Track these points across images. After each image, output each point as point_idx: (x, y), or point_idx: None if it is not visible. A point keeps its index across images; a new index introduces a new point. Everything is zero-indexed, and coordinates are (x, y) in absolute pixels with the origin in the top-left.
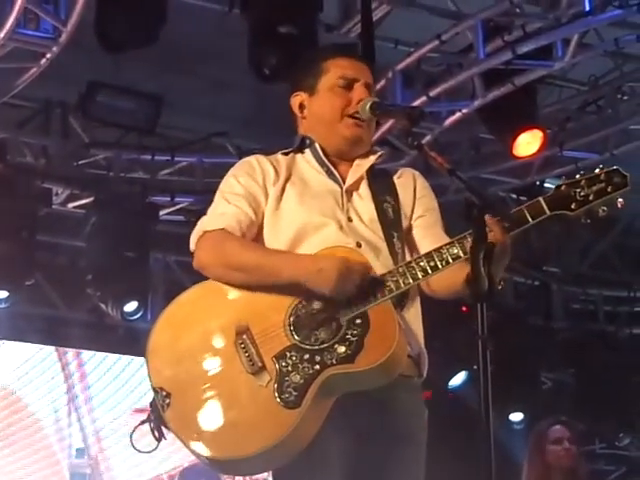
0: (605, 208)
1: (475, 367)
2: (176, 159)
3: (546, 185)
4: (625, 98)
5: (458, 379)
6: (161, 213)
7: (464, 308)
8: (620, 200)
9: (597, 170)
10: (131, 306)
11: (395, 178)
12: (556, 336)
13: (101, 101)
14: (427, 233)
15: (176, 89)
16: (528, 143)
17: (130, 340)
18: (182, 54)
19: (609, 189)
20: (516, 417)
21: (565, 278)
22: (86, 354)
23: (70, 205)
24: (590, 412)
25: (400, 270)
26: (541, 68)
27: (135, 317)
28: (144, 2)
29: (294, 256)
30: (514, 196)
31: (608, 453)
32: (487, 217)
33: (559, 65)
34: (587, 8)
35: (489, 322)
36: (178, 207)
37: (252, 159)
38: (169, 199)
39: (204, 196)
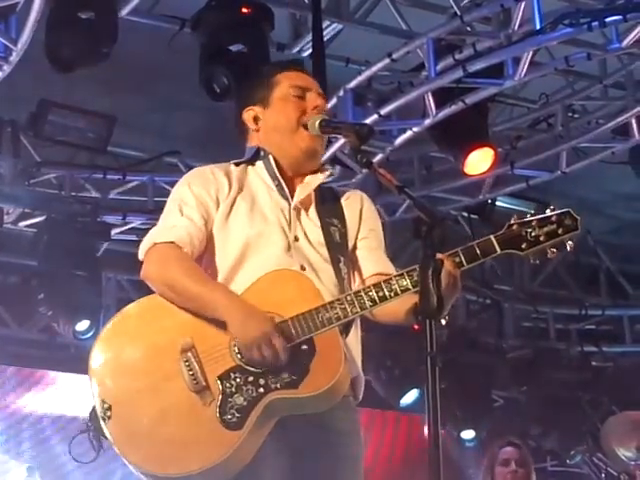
0: (555, 250)
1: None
2: (127, 178)
3: (498, 203)
4: (576, 116)
5: (410, 397)
6: (113, 232)
7: (415, 326)
8: (570, 243)
9: (548, 211)
10: (83, 325)
11: (343, 200)
12: (507, 354)
13: (52, 120)
14: (369, 255)
15: (127, 108)
16: (479, 161)
17: (81, 359)
18: (133, 73)
19: (560, 231)
20: (467, 435)
21: (516, 296)
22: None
23: (21, 224)
24: (541, 429)
25: (348, 298)
26: (492, 86)
27: (87, 336)
28: (94, 21)
29: (230, 299)
30: (465, 214)
31: (560, 470)
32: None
33: (510, 83)
34: (538, 26)
35: (440, 340)
36: (130, 226)
37: (207, 170)
38: (121, 218)
39: (156, 215)
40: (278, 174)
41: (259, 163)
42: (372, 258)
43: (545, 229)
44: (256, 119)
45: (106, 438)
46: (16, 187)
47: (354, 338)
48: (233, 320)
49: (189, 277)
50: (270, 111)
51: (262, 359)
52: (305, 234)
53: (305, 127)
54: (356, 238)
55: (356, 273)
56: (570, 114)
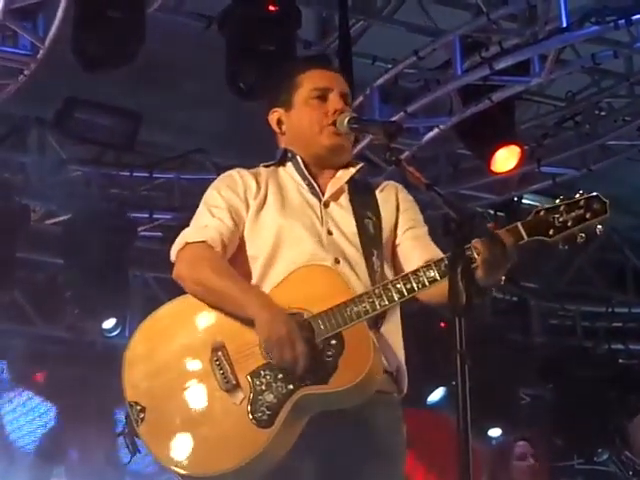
0: (583, 235)
1: (454, 383)
2: (154, 176)
3: (524, 201)
4: (602, 114)
5: (436, 395)
6: (139, 229)
7: (442, 324)
8: (599, 227)
9: (577, 195)
10: (109, 323)
11: (377, 192)
12: (534, 352)
13: (79, 117)
14: (417, 244)
15: (154, 106)
16: (506, 159)
17: (108, 357)
18: (160, 71)
19: (588, 216)
20: (494, 433)
21: (543, 294)
22: None
23: (48, 222)
24: (568, 428)
25: (376, 292)
26: (518, 84)
27: (113, 334)
28: (122, 21)
29: (259, 299)
30: (492, 212)
31: (586, 469)
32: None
33: (536, 81)
34: (564, 24)
35: (467, 338)
36: (156, 224)
37: (234, 173)
38: (147, 216)
39: (182, 213)
40: (307, 174)
41: (289, 164)
42: (420, 246)
43: (573, 214)
44: (280, 122)
45: (141, 441)
46: (43, 185)
47: (392, 328)
48: (260, 319)
49: (220, 276)
50: (292, 114)
51: (282, 361)
52: (338, 227)
53: (328, 126)
54: (394, 231)
55: (398, 265)
56: (596, 112)
